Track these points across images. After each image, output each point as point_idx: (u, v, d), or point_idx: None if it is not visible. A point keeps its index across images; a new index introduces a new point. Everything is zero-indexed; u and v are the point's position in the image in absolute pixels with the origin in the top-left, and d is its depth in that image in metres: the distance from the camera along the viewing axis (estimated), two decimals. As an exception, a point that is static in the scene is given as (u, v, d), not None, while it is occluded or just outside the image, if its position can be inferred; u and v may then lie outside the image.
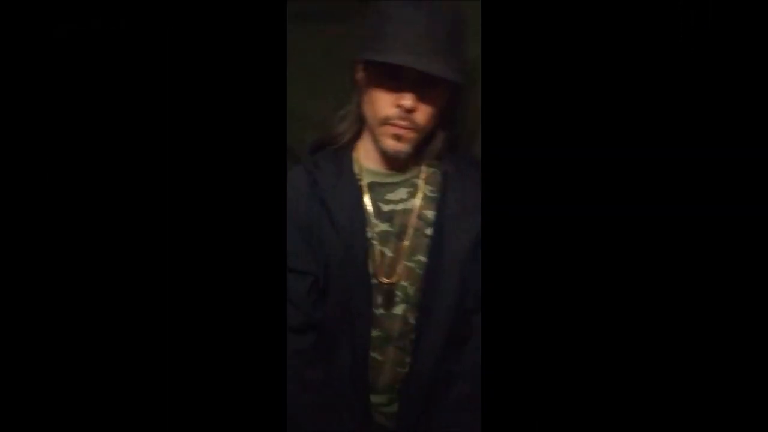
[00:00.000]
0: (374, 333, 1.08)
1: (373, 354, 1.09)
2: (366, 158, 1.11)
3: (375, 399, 1.11)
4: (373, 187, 1.10)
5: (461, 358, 1.10)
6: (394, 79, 1.00)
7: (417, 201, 1.10)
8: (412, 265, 1.09)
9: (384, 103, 1.01)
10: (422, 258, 1.08)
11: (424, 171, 1.12)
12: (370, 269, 1.07)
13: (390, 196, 1.11)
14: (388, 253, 1.09)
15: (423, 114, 1.02)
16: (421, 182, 1.11)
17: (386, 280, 1.08)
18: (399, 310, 1.08)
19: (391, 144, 1.04)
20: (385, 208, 1.10)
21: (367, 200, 1.10)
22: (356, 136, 1.11)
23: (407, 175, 1.11)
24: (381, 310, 1.08)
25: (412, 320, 1.08)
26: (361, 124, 1.10)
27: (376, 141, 1.06)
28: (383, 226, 1.09)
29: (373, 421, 1.12)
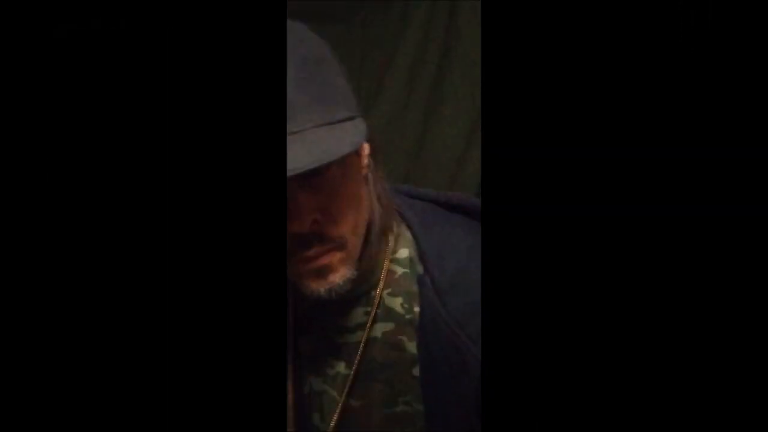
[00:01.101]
0: None
1: None
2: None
3: None
4: (315, 313, 0.78)
5: None
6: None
7: (385, 325, 0.76)
8: (400, 415, 0.76)
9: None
10: (416, 407, 0.76)
11: (387, 270, 0.77)
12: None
13: (341, 322, 0.78)
14: (354, 404, 0.76)
15: (337, 223, 0.69)
16: (385, 294, 0.76)
17: None
18: None
19: (316, 286, 0.71)
20: (338, 340, 0.77)
21: (304, 336, 0.78)
22: None
23: (362, 287, 0.77)
24: None
25: None
26: None
27: (298, 289, 0.73)
28: (337, 368, 0.77)
29: None
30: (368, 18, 1.57)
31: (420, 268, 0.76)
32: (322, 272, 0.70)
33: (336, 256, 0.69)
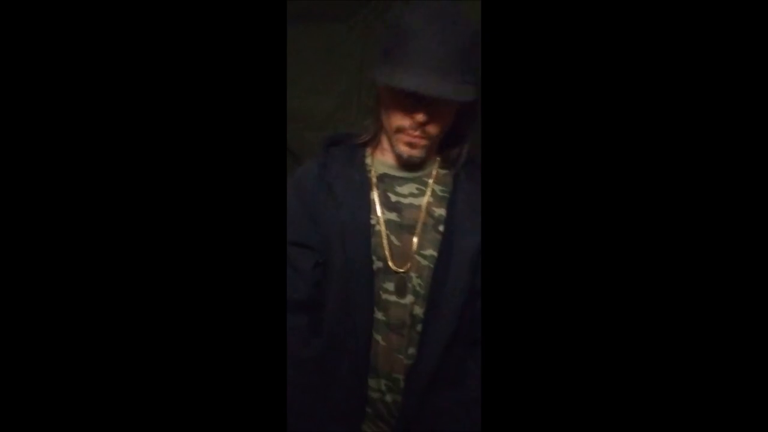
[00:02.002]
0: (379, 316, 1.13)
1: (376, 336, 1.13)
2: (381, 153, 1.19)
3: (372, 383, 1.15)
4: (382, 179, 1.17)
5: (474, 353, 1.15)
6: (409, 97, 1.06)
7: (426, 198, 1.16)
8: (421, 259, 1.13)
9: (399, 116, 1.10)
10: (432, 252, 1.13)
11: (436, 171, 1.19)
12: (375, 254, 1.12)
13: (399, 189, 1.17)
14: (396, 242, 1.13)
15: (435, 127, 1.11)
16: (431, 181, 1.18)
17: (399, 269, 1.13)
18: (408, 300, 1.13)
19: (404, 149, 1.12)
20: (393, 198, 1.16)
21: (375, 189, 1.16)
22: (374, 137, 1.19)
23: (418, 173, 1.18)
24: (393, 297, 1.13)
25: (419, 312, 1.13)
26: (379, 128, 1.18)
27: (391, 145, 1.15)
28: (390, 215, 1.15)
29: (372, 408, 1.15)
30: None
31: (453, 172, 1.19)
32: (412, 145, 1.12)
33: (423, 142, 1.12)
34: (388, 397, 1.14)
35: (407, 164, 1.17)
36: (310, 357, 1.13)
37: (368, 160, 1.19)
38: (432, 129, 1.10)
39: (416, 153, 1.12)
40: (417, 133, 1.10)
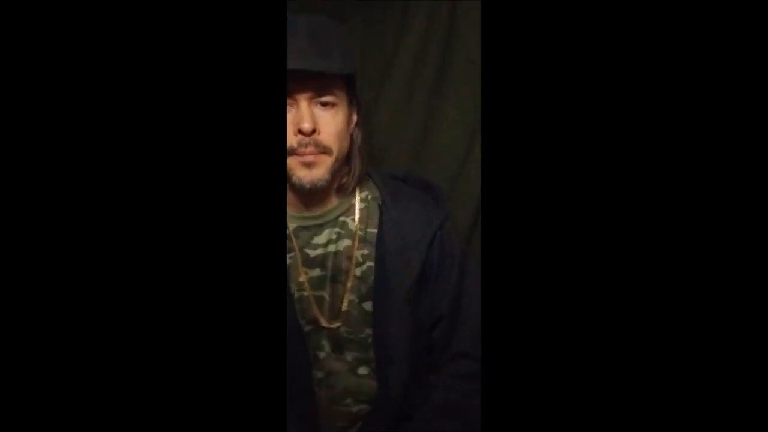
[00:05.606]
0: (319, 375, 1.08)
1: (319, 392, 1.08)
2: (289, 204, 1.07)
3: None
4: (297, 233, 1.07)
5: (440, 370, 1.12)
6: (290, 101, 0.97)
7: (346, 242, 1.07)
8: (355, 311, 1.07)
9: (288, 135, 0.98)
10: (364, 305, 1.07)
11: (353, 205, 1.09)
12: (304, 316, 1.06)
13: (316, 240, 1.07)
14: (326, 296, 1.07)
15: (327, 134, 0.99)
16: (349, 220, 1.09)
17: (330, 325, 1.06)
18: (349, 357, 1.08)
19: (303, 174, 1.00)
20: (313, 254, 1.07)
21: (292, 250, 1.06)
22: None
23: (333, 213, 1.08)
24: (325, 354, 1.08)
25: (364, 371, 1.08)
26: None
27: (290, 179, 1.01)
28: (314, 273, 1.07)
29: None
30: (368, 18, 1.56)
31: (379, 200, 1.09)
32: (309, 165, 0.99)
33: (322, 158, 1.00)
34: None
35: (315, 198, 1.05)
36: None
37: None
38: (325, 138, 0.99)
39: (318, 174, 1.00)
40: (310, 148, 0.98)
